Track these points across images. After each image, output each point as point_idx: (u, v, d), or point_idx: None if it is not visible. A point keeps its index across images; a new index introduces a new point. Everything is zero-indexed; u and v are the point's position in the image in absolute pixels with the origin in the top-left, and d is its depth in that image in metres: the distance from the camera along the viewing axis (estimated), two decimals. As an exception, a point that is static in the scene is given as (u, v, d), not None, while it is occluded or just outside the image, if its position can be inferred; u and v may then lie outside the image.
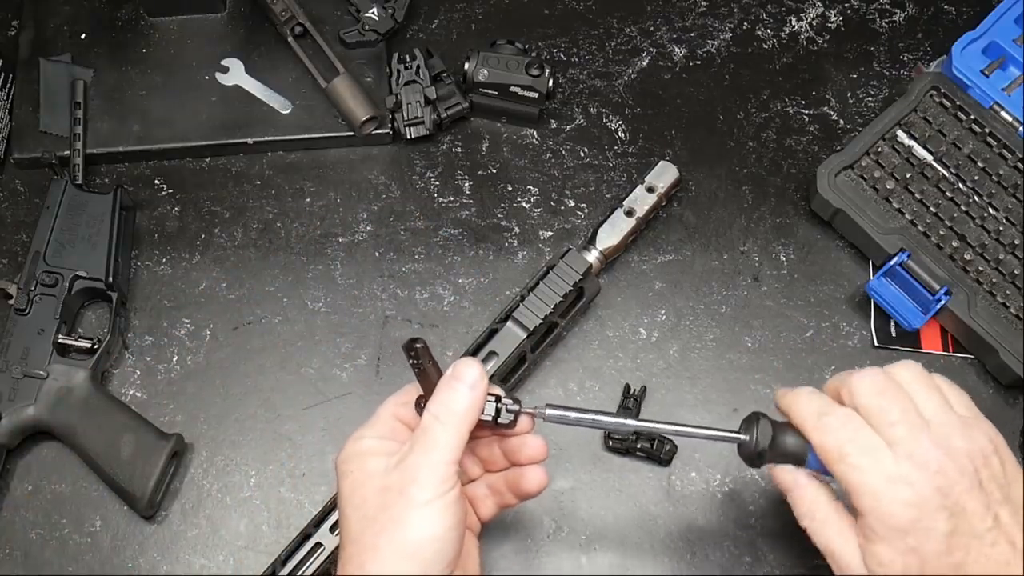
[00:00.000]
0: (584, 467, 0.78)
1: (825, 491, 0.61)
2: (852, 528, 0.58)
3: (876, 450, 0.57)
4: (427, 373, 0.59)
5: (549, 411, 0.61)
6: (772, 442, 0.61)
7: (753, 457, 0.62)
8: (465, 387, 0.58)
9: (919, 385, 0.60)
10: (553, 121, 0.90)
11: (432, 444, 0.57)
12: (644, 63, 0.93)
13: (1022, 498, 0.58)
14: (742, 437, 0.62)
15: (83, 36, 0.91)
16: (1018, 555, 0.56)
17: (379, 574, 0.55)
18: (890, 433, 0.57)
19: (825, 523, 0.59)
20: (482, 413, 0.59)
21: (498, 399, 0.60)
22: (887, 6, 0.95)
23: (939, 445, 0.56)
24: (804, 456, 0.62)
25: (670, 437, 0.63)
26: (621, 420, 0.62)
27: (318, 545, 0.71)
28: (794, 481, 0.61)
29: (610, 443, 0.78)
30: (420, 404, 0.60)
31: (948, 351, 0.82)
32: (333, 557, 0.70)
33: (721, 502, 0.77)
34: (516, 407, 0.61)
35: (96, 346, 0.79)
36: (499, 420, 0.60)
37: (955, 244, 0.81)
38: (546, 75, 0.85)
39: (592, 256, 0.80)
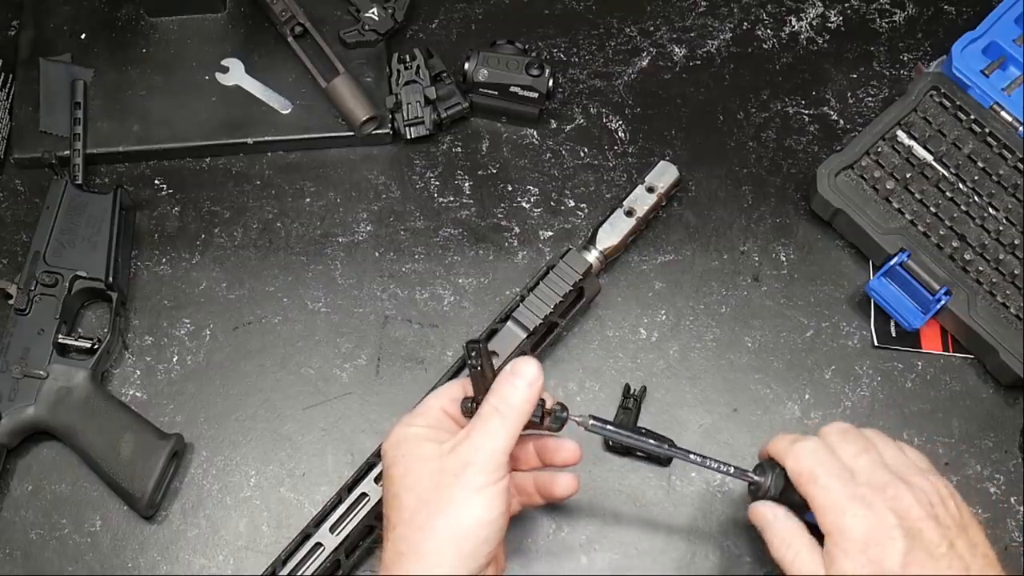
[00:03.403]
0: (584, 467, 0.77)
1: (796, 523, 0.65)
2: (813, 546, 0.63)
3: (841, 474, 0.62)
4: (484, 374, 0.61)
5: (592, 422, 0.65)
6: (783, 490, 0.65)
7: (762, 498, 0.66)
8: (524, 383, 0.60)
9: (880, 438, 0.66)
10: (553, 121, 0.90)
11: (490, 432, 0.59)
12: (644, 63, 0.93)
13: (978, 540, 0.62)
14: (758, 479, 0.66)
15: (83, 36, 0.91)
16: None
17: (432, 555, 0.58)
18: (853, 463, 0.63)
19: (799, 552, 0.63)
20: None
21: (542, 402, 0.63)
22: (887, 6, 0.95)
23: (896, 476, 0.62)
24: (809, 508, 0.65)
25: (688, 459, 0.67)
26: (655, 445, 0.67)
27: (318, 545, 0.71)
28: (774, 516, 0.66)
29: (610, 443, 0.78)
30: (467, 404, 0.63)
31: (948, 351, 0.82)
32: (334, 557, 0.70)
33: (721, 502, 0.77)
34: (564, 414, 0.64)
35: (96, 346, 0.79)
36: (546, 424, 0.63)
37: (955, 244, 0.81)
38: (546, 75, 0.85)
39: (592, 256, 0.80)
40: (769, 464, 0.66)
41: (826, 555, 0.61)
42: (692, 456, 0.66)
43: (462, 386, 0.65)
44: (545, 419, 0.63)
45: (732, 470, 0.66)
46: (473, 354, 0.61)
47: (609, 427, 0.65)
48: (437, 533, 0.58)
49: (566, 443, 0.67)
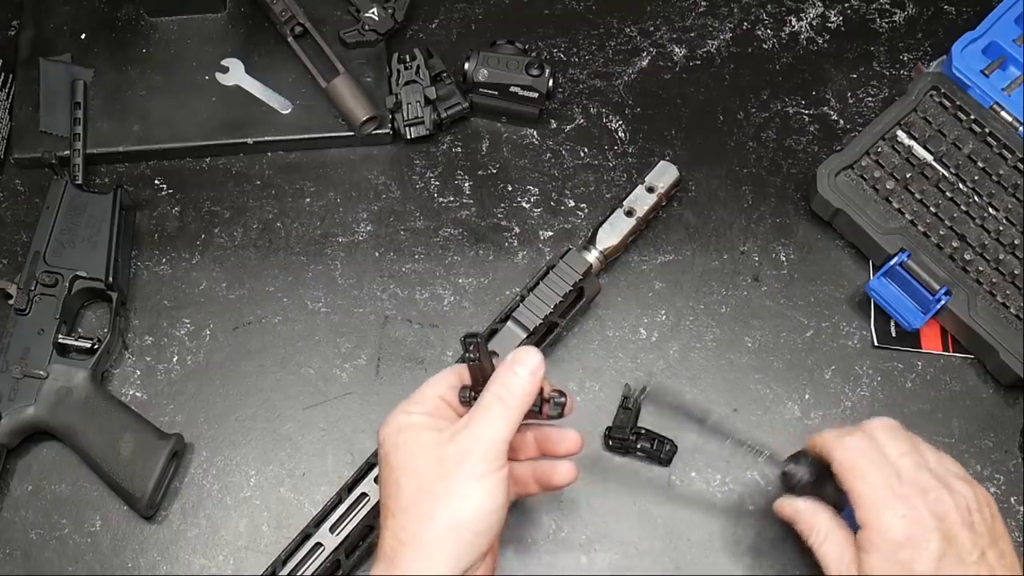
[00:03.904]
0: (584, 467, 0.77)
1: (824, 511, 0.66)
2: (848, 539, 0.64)
3: (886, 471, 0.62)
4: (482, 366, 0.61)
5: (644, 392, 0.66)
6: (815, 483, 0.66)
7: (794, 487, 0.67)
8: (526, 371, 0.60)
9: (922, 442, 0.66)
10: (553, 121, 0.90)
11: (492, 420, 0.59)
12: (644, 63, 0.93)
13: (1007, 551, 0.62)
14: (792, 467, 0.67)
15: (83, 36, 0.91)
16: None
17: (432, 546, 0.57)
18: (899, 462, 0.63)
19: (827, 538, 0.65)
20: None
21: (541, 390, 0.63)
22: (887, 6, 0.95)
23: (939, 480, 0.63)
24: (840, 502, 0.66)
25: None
26: (697, 420, 0.69)
27: (318, 545, 0.71)
28: (796, 510, 0.68)
29: (610, 443, 0.78)
30: (465, 393, 0.63)
31: (948, 351, 0.82)
32: (334, 557, 0.70)
33: (721, 502, 0.77)
34: (563, 399, 0.63)
35: (96, 346, 0.79)
36: (545, 411, 0.63)
37: (955, 244, 0.81)
38: (546, 75, 0.85)
39: (592, 256, 0.80)
40: (804, 456, 0.67)
41: (859, 548, 0.62)
42: (728, 439, 0.68)
43: (459, 374, 0.64)
44: (544, 407, 0.63)
45: (767, 455, 0.67)
46: (471, 347, 0.60)
47: (666, 398, 0.66)
48: (437, 522, 0.58)
49: (568, 433, 0.67)
